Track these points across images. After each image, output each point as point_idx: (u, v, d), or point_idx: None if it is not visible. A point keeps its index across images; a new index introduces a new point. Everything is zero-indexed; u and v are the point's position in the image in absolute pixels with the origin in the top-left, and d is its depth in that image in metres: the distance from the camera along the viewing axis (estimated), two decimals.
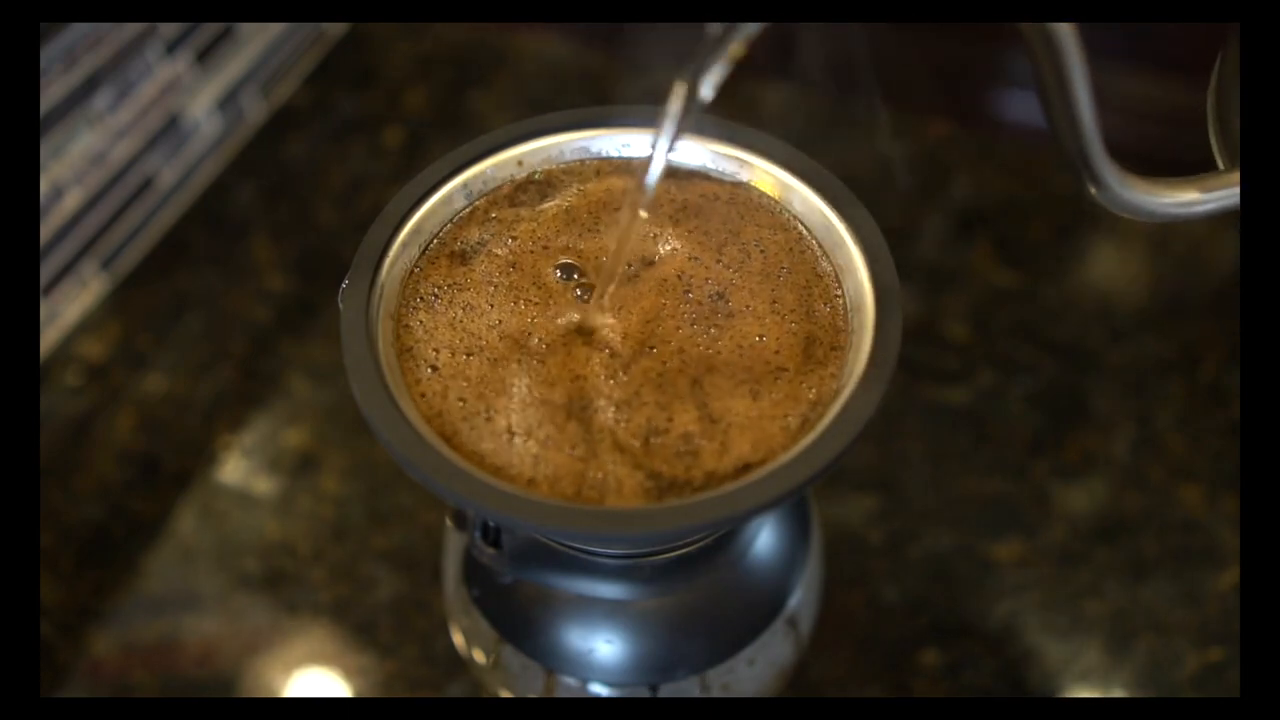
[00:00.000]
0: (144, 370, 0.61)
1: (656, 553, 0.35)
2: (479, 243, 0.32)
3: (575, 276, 0.32)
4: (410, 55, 0.79)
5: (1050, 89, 0.26)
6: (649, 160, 0.28)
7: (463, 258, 0.32)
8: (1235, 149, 0.31)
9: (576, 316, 0.31)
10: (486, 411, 0.28)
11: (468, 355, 0.30)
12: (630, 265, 0.32)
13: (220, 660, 0.51)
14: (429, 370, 0.29)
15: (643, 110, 0.35)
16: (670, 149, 0.28)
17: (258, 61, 0.73)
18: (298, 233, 0.68)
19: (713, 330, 0.30)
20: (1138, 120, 0.74)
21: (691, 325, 0.30)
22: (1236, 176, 0.30)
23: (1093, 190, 0.29)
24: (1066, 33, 0.25)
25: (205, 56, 0.68)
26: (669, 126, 0.27)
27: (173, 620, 0.52)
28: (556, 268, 0.32)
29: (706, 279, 0.31)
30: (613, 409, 0.29)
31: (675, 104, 0.27)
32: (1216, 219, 0.30)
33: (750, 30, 0.26)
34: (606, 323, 0.30)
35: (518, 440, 0.28)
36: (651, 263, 0.32)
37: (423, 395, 0.29)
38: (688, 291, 0.31)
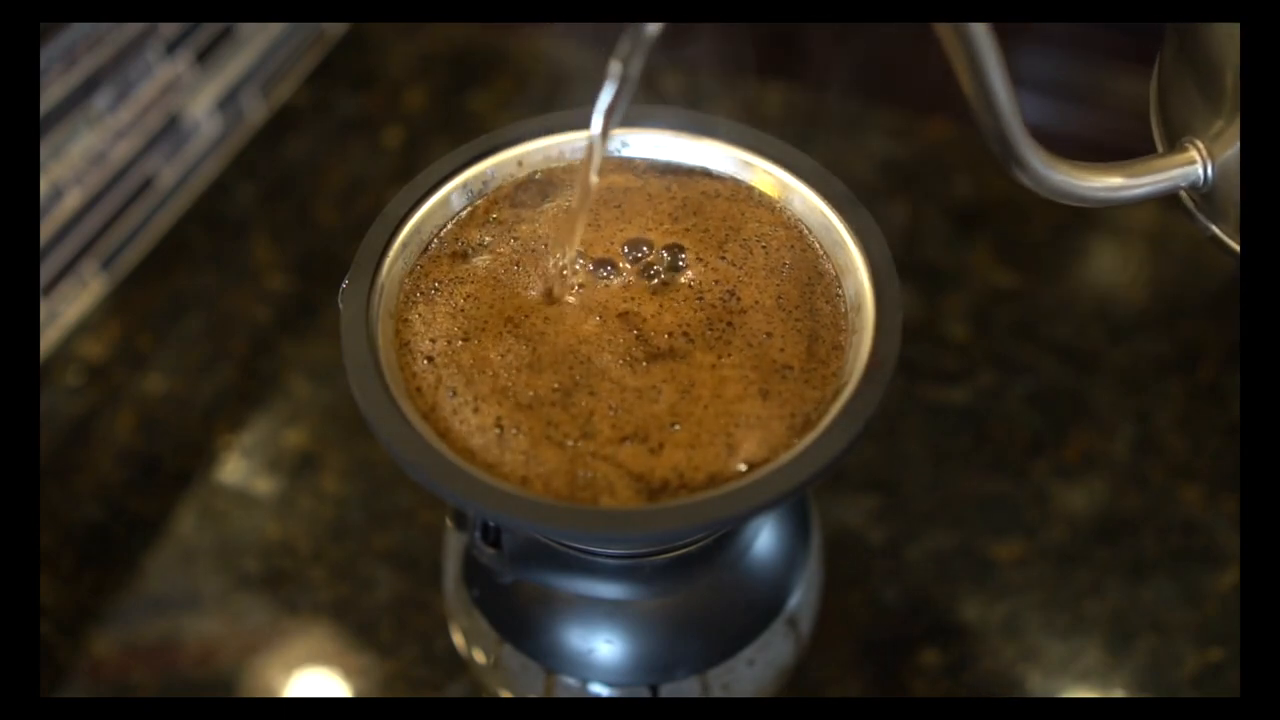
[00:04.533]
0: (144, 370, 0.61)
1: (656, 553, 0.34)
2: (479, 244, 0.32)
3: (581, 261, 0.32)
4: (410, 55, 0.79)
5: (964, 74, 0.26)
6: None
7: (464, 257, 0.32)
8: (1175, 133, 0.31)
9: (579, 299, 0.31)
10: (474, 402, 0.28)
11: (463, 342, 0.30)
12: (635, 254, 0.32)
13: (220, 660, 0.50)
14: (425, 362, 0.29)
15: (642, 110, 0.35)
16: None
17: (258, 61, 0.73)
18: (298, 233, 0.68)
19: (724, 328, 0.30)
20: (1138, 120, 0.74)
21: (706, 329, 0.30)
22: (1171, 160, 0.30)
23: (1018, 173, 0.29)
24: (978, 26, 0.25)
25: (205, 56, 0.68)
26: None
27: (173, 620, 0.52)
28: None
29: (716, 280, 0.31)
30: (614, 390, 0.28)
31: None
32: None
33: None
34: (615, 305, 0.30)
35: (508, 435, 0.28)
36: (655, 259, 0.32)
37: (418, 390, 0.29)
38: (700, 296, 0.31)
